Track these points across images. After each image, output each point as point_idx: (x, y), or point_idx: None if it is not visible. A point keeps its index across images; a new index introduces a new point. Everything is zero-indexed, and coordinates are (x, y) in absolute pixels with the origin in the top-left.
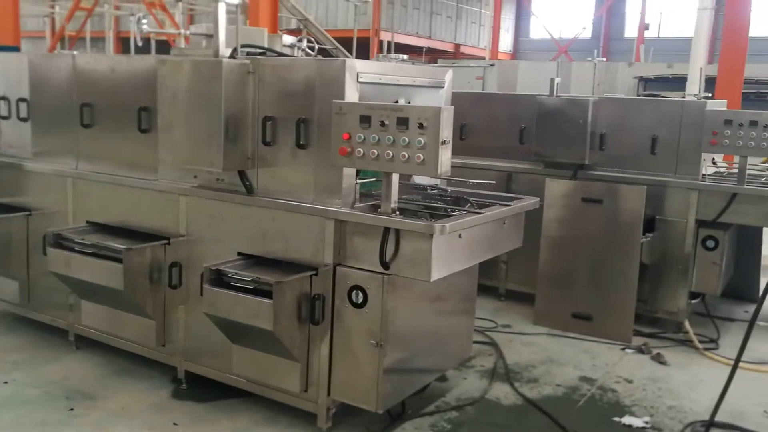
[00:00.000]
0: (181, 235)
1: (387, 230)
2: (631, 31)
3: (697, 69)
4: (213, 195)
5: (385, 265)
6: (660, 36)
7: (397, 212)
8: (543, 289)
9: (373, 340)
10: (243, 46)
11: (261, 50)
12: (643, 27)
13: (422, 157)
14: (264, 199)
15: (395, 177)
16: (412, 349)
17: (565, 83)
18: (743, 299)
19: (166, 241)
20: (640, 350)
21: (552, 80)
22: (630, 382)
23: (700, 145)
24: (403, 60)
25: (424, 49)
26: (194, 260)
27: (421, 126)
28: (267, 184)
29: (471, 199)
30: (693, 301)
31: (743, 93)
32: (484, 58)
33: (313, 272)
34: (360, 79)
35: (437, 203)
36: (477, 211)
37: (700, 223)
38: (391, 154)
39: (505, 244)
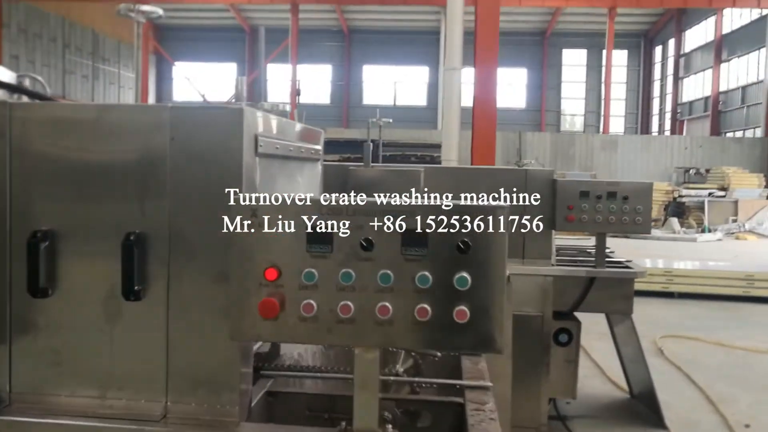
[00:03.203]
0: None
1: None
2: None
3: (453, 133)
4: None
5: None
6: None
7: (389, 426)
8: None
9: None
10: None
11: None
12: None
13: (468, 315)
14: (38, 422)
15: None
16: None
17: None
18: None
19: None
20: None
21: (365, 146)
22: None
23: (554, 222)
24: (286, 112)
25: None
26: None
27: (464, 247)
28: (39, 384)
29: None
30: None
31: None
32: None
33: None
34: (259, 148)
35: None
36: (447, 382)
37: (554, 315)
38: (390, 309)
39: None
